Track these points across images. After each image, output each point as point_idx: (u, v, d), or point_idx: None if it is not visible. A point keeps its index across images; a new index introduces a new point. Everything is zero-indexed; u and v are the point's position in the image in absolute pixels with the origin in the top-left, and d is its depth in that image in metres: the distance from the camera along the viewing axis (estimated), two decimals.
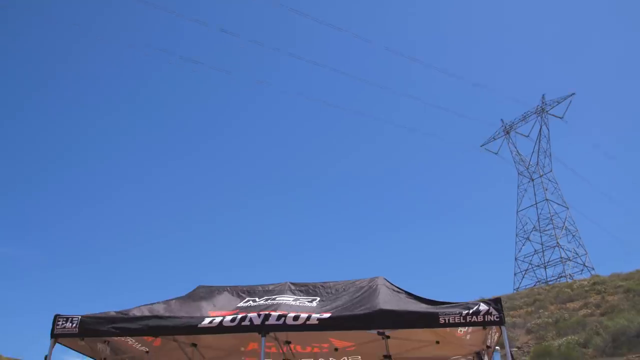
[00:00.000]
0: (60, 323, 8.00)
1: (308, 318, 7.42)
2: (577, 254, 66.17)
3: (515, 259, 70.78)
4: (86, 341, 8.48)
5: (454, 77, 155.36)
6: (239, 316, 7.61)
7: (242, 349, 9.37)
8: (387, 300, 7.98)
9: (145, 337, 8.87)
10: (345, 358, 9.59)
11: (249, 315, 7.60)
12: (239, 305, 8.76)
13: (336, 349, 9.26)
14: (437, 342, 8.57)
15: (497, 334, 7.84)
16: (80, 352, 8.90)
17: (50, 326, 8.01)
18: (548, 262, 66.43)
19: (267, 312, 7.60)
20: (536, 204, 71.06)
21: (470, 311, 7.19)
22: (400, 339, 8.52)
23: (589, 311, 30.68)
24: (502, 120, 78.20)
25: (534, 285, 58.77)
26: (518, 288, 62.77)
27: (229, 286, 9.74)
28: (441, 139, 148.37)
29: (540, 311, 34.35)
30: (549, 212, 69.19)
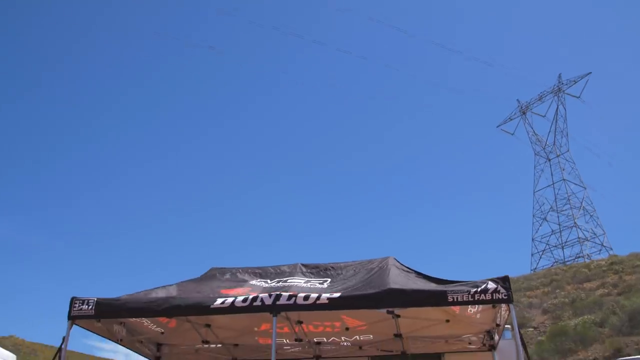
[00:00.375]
0: (77, 305, 8.17)
1: (318, 297, 7.50)
2: (594, 234, 65.76)
3: (533, 239, 70.51)
4: (102, 323, 8.65)
5: (468, 57, 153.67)
6: (251, 297, 7.72)
7: (255, 329, 9.50)
8: (396, 280, 8.03)
9: (160, 319, 9.02)
10: (357, 337, 9.68)
11: (261, 295, 7.71)
12: (250, 286, 8.87)
13: (347, 329, 9.35)
14: (447, 321, 8.62)
15: (507, 312, 7.88)
16: (97, 334, 9.11)
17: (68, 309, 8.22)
18: (565, 242, 66.12)
19: (278, 293, 7.70)
20: (553, 184, 70.60)
21: (479, 289, 7.21)
22: (411, 317, 8.59)
23: (606, 291, 30.56)
24: (518, 100, 77.54)
25: (552, 266, 58.47)
26: (535, 269, 62.59)
27: (241, 268, 9.88)
28: (456, 120, 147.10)
29: (557, 291, 34.28)
30: (566, 192, 68.75)
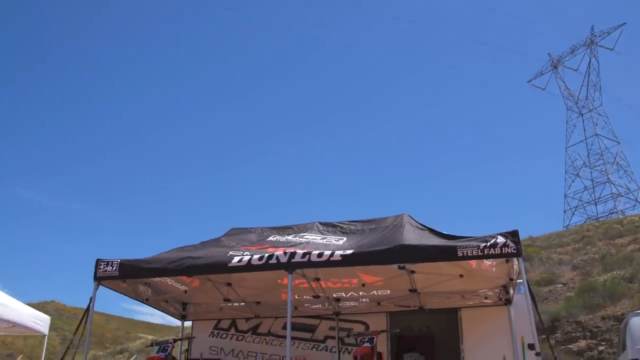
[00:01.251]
0: (101, 267, 8.53)
1: (332, 255, 7.69)
2: (628, 189, 64.50)
3: (565, 196, 69.53)
4: (128, 283, 9.03)
5: (499, 12, 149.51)
6: (267, 255, 7.96)
7: (279, 281, 9.65)
8: (409, 237, 8.16)
9: (184, 278, 9.35)
10: (375, 292, 9.88)
11: (276, 253, 7.94)
12: (268, 244, 9.11)
13: (364, 285, 9.55)
14: (461, 276, 8.74)
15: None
16: (124, 294, 9.50)
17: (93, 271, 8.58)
18: (599, 198, 65.08)
19: (293, 251, 7.92)
20: (586, 139, 69.12)
21: (488, 244, 7.29)
22: (426, 273, 8.73)
23: (637, 246, 30.17)
24: (549, 54, 75.49)
25: (584, 222, 57.74)
26: (568, 225, 61.89)
27: (260, 227, 10.12)
28: (487, 77, 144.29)
29: (587, 248, 33.98)
30: (599, 148, 67.31)
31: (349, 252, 7.73)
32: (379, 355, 7.96)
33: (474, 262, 8.18)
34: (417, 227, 9.00)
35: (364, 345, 7.64)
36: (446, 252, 7.48)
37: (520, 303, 9.79)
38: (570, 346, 19.32)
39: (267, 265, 7.89)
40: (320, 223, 9.96)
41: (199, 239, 9.66)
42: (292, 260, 7.78)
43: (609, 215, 59.60)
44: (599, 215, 62.41)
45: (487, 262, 8.19)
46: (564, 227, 61.06)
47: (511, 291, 9.46)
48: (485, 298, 9.79)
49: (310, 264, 7.83)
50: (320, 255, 7.74)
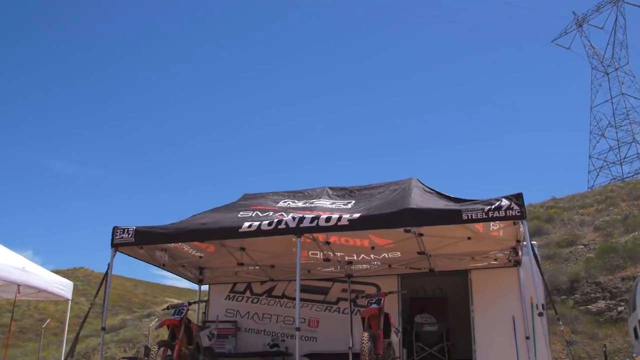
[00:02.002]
0: (118, 234, 8.84)
1: (339, 219, 7.87)
2: None
3: (590, 157, 68.65)
4: (145, 249, 9.35)
5: None
6: (276, 220, 8.18)
7: (294, 249, 9.87)
8: (416, 200, 8.30)
9: (199, 244, 9.61)
10: (386, 255, 10.05)
11: (284, 219, 8.15)
12: (279, 209, 9.31)
13: (373, 247, 9.72)
14: (469, 238, 8.85)
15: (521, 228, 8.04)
16: (141, 259, 9.84)
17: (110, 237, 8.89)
18: (624, 158, 64.15)
19: (301, 215, 8.11)
20: (611, 99, 67.81)
21: (492, 207, 7.39)
22: (434, 236, 8.85)
23: None
24: (574, 12, 73.59)
25: (609, 183, 57.06)
26: (592, 186, 61.23)
27: (271, 193, 10.33)
28: (510, 36, 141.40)
29: (610, 209, 33.72)
30: (625, 107, 66.04)
31: (356, 216, 7.89)
32: (387, 315, 8.15)
33: (480, 225, 8.28)
34: (425, 190, 9.12)
35: (371, 306, 7.83)
36: (451, 215, 7.60)
37: (529, 265, 9.92)
38: (589, 307, 19.42)
39: (277, 230, 8.12)
40: (330, 188, 10.12)
41: (215, 204, 9.91)
42: (301, 225, 7.98)
43: (635, 176, 58.80)
44: (624, 176, 61.58)
45: (495, 225, 8.30)
46: (588, 188, 60.41)
47: (520, 253, 9.57)
48: (495, 260, 9.89)
49: (318, 229, 8.03)
50: (328, 219, 7.92)
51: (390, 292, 8.48)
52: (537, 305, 9.62)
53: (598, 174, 66.45)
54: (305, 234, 8.18)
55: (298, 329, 7.77)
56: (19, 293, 10.52)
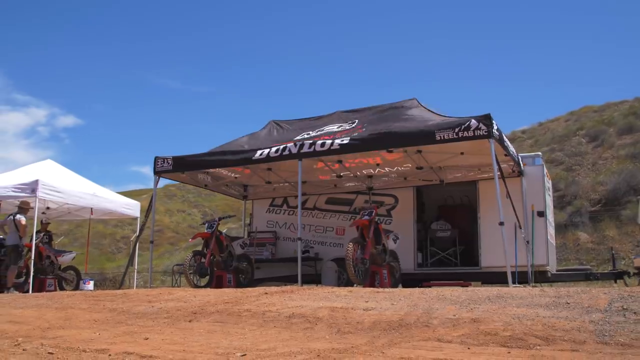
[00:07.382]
0: (159, 163, 10.53)
1: (332, 144, 9.03)
2: None
3: None
4: (187, 174, 10.98)
5: None
6: (281, 147, 9.48)
7: (314, 166, 10.86)
8: (404, 122, 9.29)
9: (235, 167, 11.05)
10: (399, 168, 10.97)
11: (288, 145, 9.45)
12: (294, 136, 10.49)
13: (377, 164, 10.70)
14: (462, 153, 9.59)
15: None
16: (184, 182, 11.58)
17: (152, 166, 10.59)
18: None
19: (301, 142, 9.33)
20: None
21: (462, 127, 8.15)
22: (433, 152, 9.67)
23: None
24: None
25: None
26: None
27: (290, 121, 11.56)
28: None
29: None
30: None
31: (346, 140, 8.99)
32: (377, 225, 9.19)
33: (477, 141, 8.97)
34: (421, 109, 9.97)
35: (363, 218, 8.93)
36: (425, 137, 8.53)
37: (532, 174, 10.54)
38: None
39: (282, 156, 9.47)
40: (342, 111, 11.14)
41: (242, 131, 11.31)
42: (301, 151, 9.27)
43: None
44: None
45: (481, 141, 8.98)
46: None
47: (522, 164, 10.25)
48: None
49: (315, 154, 9.27)
50: (322, 145, 9.11)
51: (381, 205, 9.56)
52: (543, 212, 10.37)
53: None
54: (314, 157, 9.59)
55: (300, 239, 9.27)
56: (91, 214, 12.70)
